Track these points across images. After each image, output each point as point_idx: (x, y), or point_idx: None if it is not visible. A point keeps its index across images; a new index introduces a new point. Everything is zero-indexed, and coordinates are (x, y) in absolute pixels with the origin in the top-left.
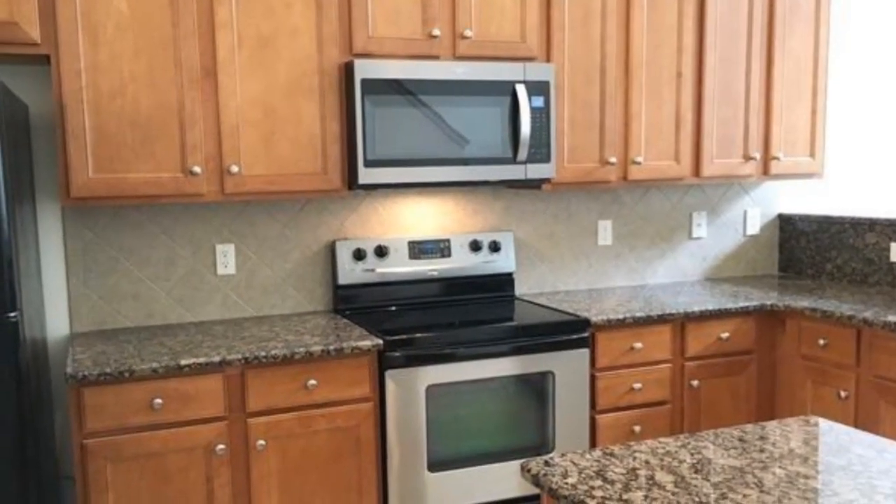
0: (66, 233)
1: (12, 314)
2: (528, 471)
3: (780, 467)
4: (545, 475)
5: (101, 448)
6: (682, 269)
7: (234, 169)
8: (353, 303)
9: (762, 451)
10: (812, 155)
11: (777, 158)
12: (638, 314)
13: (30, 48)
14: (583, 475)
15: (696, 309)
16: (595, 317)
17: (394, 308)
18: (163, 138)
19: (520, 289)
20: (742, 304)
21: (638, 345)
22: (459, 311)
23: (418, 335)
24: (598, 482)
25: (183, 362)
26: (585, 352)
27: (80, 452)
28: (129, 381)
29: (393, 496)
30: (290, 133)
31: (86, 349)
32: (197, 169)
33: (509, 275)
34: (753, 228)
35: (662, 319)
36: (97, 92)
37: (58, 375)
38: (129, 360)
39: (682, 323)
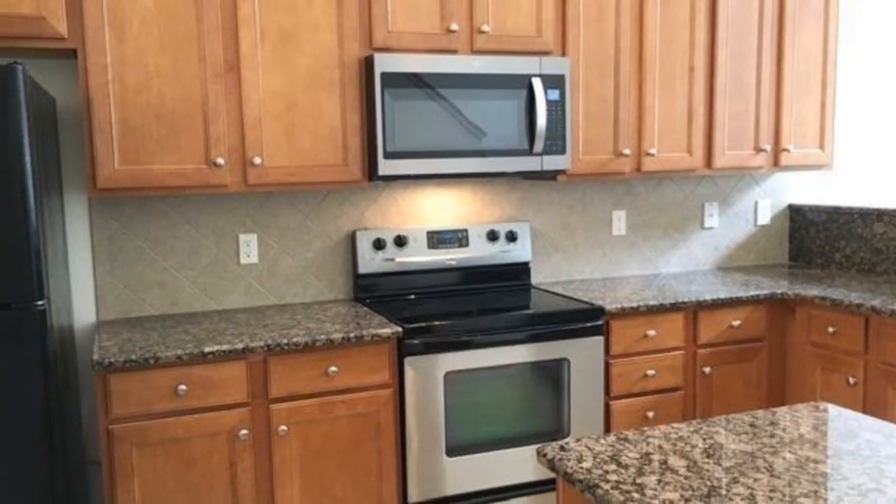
0: (92, 223)
1: (40, 302)
2: (544, 455)
3: (790, 452)
4: (560, 460)
5: (127, 433)
6: (694, 258)
7: (257, 160)
8: (372, 291)
9: (773, 436)
10: (821, 147)
11: (787, 150)
12: (651, 302)
13: (57, 42)
14: (597, 460)
15: (709, 297)
16: (609, 305)
17: (413, 296)
18: (187, 131)
19: (536, 278)
20: (753, 292)
21: (651, 332)
22: (477, 300)
23: (437, 323)
24: (613, 466)
25: (207, 349)
26: (600, 339)
27: (106, 438)
28: (155, 367)
29: (412, 480)
30: (311, 125)
31: (112, 336)
32: (220, 160)
33: (525, 264)
34: (764, 219)
35: (675, 308)
36: (123, 86)
37: (84, 362)
38: (155, 348)
39: (694, 311)
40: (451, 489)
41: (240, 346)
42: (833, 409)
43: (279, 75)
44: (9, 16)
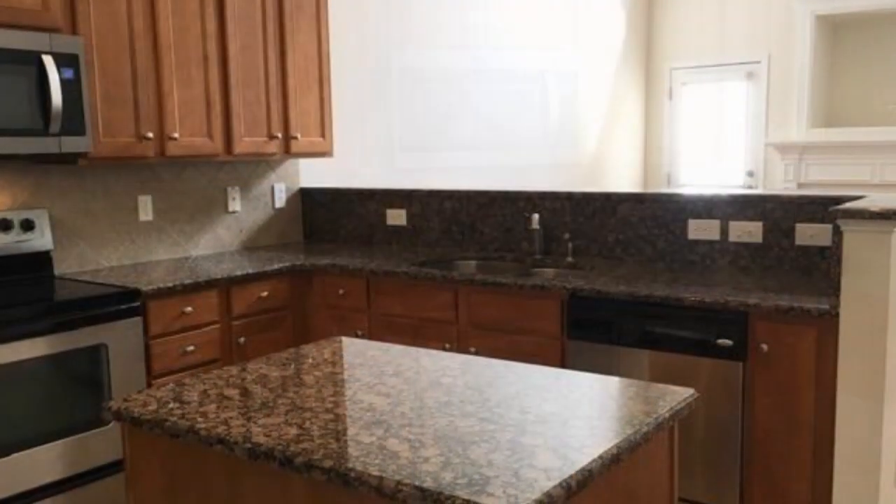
0: None
1: None
2: (110, 409)
3: (318, 371)
4: (126, 409)
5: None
6: (221, 240)
7: None
8: None
9: (303, 363)
10: (323, 136)
11: (296, 138)
12: (187, 281)
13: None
14: (161, 402)
15: (239, 273)
16: (145, 286)
17: None
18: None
19: (59, 268)
20: (277, 265)
21: (188, 309)
22: None
23: None
24: (177, 405)
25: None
26: (138, 320)
27: None
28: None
29: None
30: None
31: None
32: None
33: (47, 253)
34: (280, 202)
35: (210, 285)
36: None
37: None
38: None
39: (227, 286)
40: None
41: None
42: (346, 340)
43: None
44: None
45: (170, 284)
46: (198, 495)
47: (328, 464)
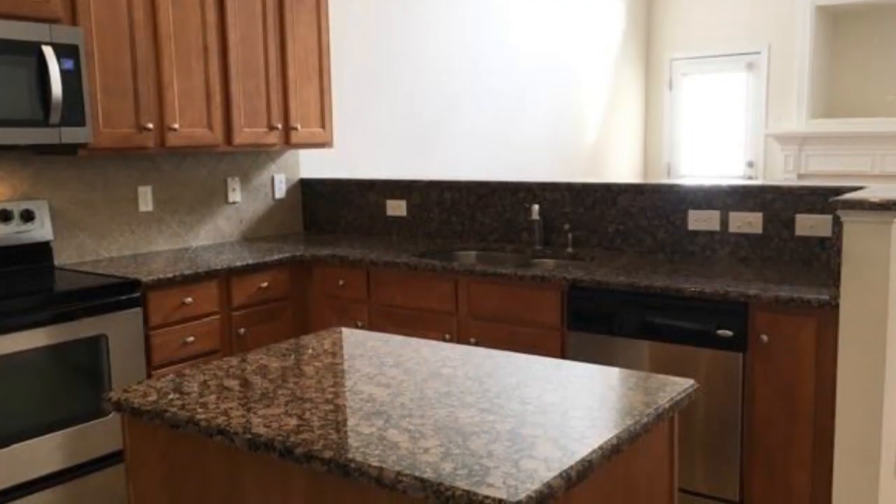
0: None
1: None
2: (110, 399)
3: (318, 361)
4: (126, 399)
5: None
6: (221, 231)
7: None
8: None
9: (303, 354)
10: (323, 127)
11: (295, 129)
12: (187, 272)
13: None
14: (161, 393)
15: (239, 263)
16: (145, 277)
17: None
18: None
19: (59, 258)
20: (277, 256)
21: (188, 300)
22: None
23: None
24: (177, 395)
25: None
26: (138, 311)
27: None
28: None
29: None
30: None
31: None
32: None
33: (47, 244)
34: (280, 192)
35: (210, 275)
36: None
37: None
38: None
39: (227, 277)
40: None
41: None
42: (346, 331)
43: None
44: None
45: (170, 275)
46: (198, 486)
47: (328, 454)
